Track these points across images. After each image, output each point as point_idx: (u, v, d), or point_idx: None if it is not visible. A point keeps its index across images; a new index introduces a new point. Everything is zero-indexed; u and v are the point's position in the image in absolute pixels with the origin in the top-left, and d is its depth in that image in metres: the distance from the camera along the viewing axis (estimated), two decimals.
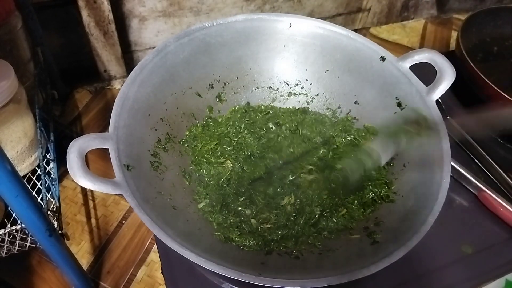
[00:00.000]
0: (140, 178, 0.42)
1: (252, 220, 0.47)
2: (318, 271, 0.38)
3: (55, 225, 0.62)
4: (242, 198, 0.49)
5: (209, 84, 0.57)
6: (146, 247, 0.83)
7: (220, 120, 0.58)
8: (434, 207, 0.40)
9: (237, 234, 0.45)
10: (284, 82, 0.61)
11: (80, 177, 0.38)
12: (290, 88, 0.61)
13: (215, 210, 0.47)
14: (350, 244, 0.44)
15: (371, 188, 0.49)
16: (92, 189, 0.38)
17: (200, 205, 0.48)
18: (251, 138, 0.55)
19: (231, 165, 0.52)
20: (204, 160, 0.52)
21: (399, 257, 0.37)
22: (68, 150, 0.39)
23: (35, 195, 0.69)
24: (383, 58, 0.53)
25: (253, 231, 0.46)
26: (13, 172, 0.46)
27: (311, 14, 1.24)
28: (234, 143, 0.55)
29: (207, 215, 0.47)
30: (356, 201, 0.49)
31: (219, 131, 0.56)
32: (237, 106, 0.59)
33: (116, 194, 0.90)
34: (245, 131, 0.56)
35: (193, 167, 0.52)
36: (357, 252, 0.41)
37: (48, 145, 0.75)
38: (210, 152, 0.53)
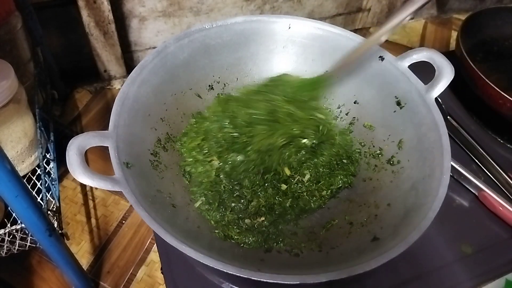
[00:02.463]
0: (140, 176, 0.42)
1: (247, 220, 0.47)
2: (318, 267, 0.38)
3: (55, 225, 0.62)
4: (235, 194, 0.49)
5: (209, 85, 0.57)
6: (146, 247, 0.83)
7: (206, 114, 0.56)
8: (435, 203, 0.40)
9: (236, 232, 0.45)
10: None
11: (80, 174, 0.38)
12: None
13: (212, 208, 0.47)
14: (350, 241, 0.44)
15: None
16: (92, 186, 0.38)
17: (197, 204, 0.48)
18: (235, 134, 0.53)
19: (218, 163, 0.51)
20: (191, 158, 0.52)
21: (399, 252, 0.36)
22: (67, 148, 0.39)
23: (35, 195, 0.69)
24: (382, 58, 0.53)
25: (250, 228, 0.46)
26: (13, 172, 0.46)
27: (311, 14, 1.25)
28: (220, 139, 0.53)
29: (204, 213, 0.47)
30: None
31: (204, 126, 0.54)
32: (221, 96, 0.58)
33: (116, 194, 0.91)
34: (230, 127, 0.53)
35: (183, 164, 0.51)
36: (357, 249, 0.41)
37: (48, 145, 0.75)
38: (198, 149, 0.52)
